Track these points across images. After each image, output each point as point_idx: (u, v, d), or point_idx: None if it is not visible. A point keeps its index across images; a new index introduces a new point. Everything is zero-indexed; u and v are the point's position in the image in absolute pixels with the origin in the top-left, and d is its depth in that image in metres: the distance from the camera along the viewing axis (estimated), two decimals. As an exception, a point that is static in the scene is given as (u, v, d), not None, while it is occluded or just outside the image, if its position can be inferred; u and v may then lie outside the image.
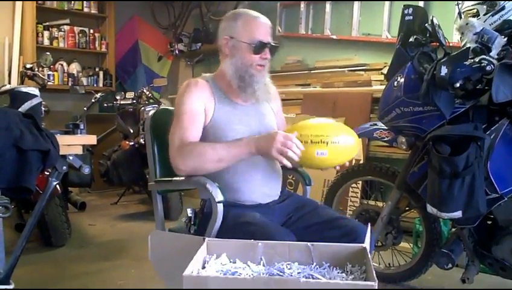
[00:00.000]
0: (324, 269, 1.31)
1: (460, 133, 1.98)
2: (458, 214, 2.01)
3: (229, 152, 1.65)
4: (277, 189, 1.88)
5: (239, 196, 1.77)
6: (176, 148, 1.69)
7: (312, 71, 4.54)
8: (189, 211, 1.79)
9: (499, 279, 2.32)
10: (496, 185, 2.03)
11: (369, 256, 1.29)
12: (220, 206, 1.64)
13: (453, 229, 2.43)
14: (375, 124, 2.59)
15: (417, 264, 2.66)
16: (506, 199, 2.06)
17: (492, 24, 2.15)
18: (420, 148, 2.28)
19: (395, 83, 2.21)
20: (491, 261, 2.25)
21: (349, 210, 3.51)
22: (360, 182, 3.38)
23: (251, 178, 1.77)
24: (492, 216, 2.22)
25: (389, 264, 2.81)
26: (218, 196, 1.63)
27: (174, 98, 1.88)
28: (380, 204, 2.94)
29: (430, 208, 2.09)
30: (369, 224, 1.42)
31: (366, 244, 1.32)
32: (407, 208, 2.65)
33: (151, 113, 2.01)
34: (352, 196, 3.61)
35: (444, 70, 1.83)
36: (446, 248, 2.30)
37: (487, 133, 2.04)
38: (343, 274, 1.27)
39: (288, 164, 1.61)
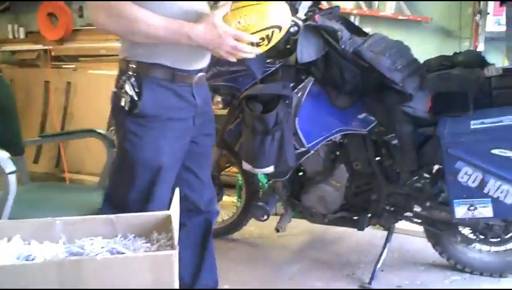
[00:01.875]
0: (129, 240, 1.25)
1: (269, 92, 2.05)
2: (270, 169, 2.12)
3: (165, 34, 1.41)
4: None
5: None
6: (105, 3, 1.40)
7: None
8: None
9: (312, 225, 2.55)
10: (303, 140, 2.17)
11: (175, 222, 1.26)
12: (12, 178, 1.45)
13: (269, 182, 2.57)
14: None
15: (239, 218, 2.78)
16: (312, 151, 2.23)
17: (299, -15, 2.23)
18: (236, 106, 2.33)
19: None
20: (302, 209, 2.45)
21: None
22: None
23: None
24: (302, 168, 2.40)
25: (212, 219, 2.89)
26: (8, 167, 1.43)
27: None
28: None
29: (245, 165, 2.16)
30: (177, 189, 1.39)
31: (172, 210, 1.29)
32: (227, 165, 2.72)
33: None
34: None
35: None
36: (261, 201, 2.43)
37: (295, 91, 2.15)
38: (148, 244, 1.23)
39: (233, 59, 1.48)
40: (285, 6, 1.49)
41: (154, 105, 1.50)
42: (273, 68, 2.16)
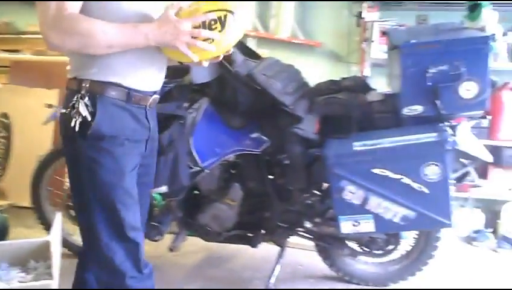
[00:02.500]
0: (2, 270, 1.16)
1: (163, 112, 2.03)
2: (163, 188, 2.09)
3: (122, 38, 1.32)
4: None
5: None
6: (52, 16, 1.29)
7: (23, 36, 4.08)
8: None
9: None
10: (198, 159, 2.18)
11: (55, 249, 1.20)
12: None
13: (163, 202, 2.53)
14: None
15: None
16: (207, 170, 2.23)
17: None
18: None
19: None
20: (197, 228, 2.44)
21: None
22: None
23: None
24: (198, 187, 2.39)
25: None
26: None
27: None
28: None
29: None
30: (59, 213, 1.33)
31: (52, 236, 1.23)
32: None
33: None
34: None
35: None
36: (155, 221, 2.38)
37: (189, 111, 2.15)
38: (24, 273, 1.15)
39: (195, 58, 1.34)
40: None
41: (111, 125, 1.40)
42: (168, 88, 2.14)
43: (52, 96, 3.53)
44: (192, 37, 1.31)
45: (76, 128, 1.37)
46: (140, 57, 1.42)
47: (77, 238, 2.74)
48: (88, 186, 1.43)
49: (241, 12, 1.38)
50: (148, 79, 1.48)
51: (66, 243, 2.68)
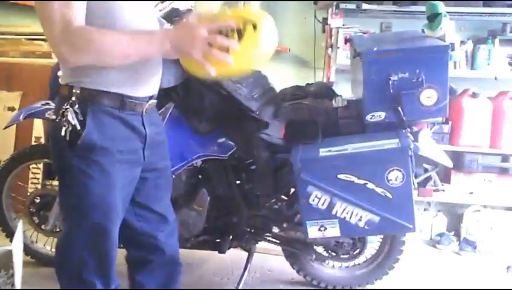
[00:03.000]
0: (-40, 281, 1.13)
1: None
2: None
3: (137, 48, 1.26)
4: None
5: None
6: (59, 32, 1.21)
7: (-17, 36, 3.95)
8: None
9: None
10: (164, 165, 2.16)
11: (17, 258, 1.18)
12: None
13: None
14: (48, 103, 2.42)
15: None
16: (173, 176, 2.22)
17: (161, 11, 2.24)
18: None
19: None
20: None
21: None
22: (42, 163, 3.15)
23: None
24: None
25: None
26: None
27: None
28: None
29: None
30: (20, 221, 1.30)
31: (14, 245, 1.21)
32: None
33: None
34: (34, 179, 3.33)
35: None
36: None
37: (157, 116, 2.13)
38: (-18, 285, 1.12)
39: (212, 72, 1.24)
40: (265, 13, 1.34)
41: (101, 135, 1.35)
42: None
43: (14, 99, 3.45)
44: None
45: (67, 138, 1.31)
46: (136, 63, 1.35)
47: (40, 246, 2.69)
48: (75, 196, 1.40)
49: (268, 26, 1.30)
50: (143, 84, 1.44)
51: (29, 251, 2.63)
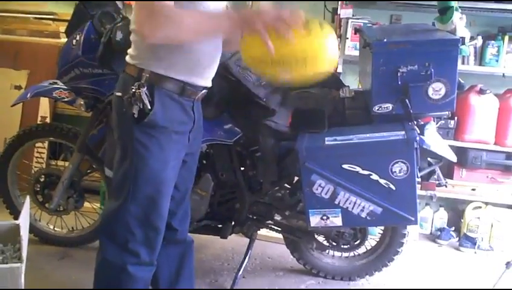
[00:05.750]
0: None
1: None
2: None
3: (209, 23, 1.40)
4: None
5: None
6: (148, 11, 1.34)
7: (-10, 13, 3.95)
8: None
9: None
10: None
11: (24, 232, 1.19)
12: None
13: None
14: (56, 83, 2.42)
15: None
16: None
17: None
18: (100, 110, 2.25)
19: (74, 41, 2.10)
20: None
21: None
22: (47, 142, 3.17)
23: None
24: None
25: (72, 228, 2.74)
26: None
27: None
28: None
29: (107, 171, 2.10)
30: (28, 196, 1.31)
31: (22, 219, 1.22)
32: (88, 171, 2.61)
33: None
34: (39, 157, 3.35)
35: (119, 36, 1.82)
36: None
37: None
38: (-10, 257, 1.14)
39: (271, 47, 1.34)
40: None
41: (164, 116, 1.50)
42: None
43: (21, 77, 3.45)
44: None
45: (135, 115, 1.44)
46: (200, 53, 1.50)
47: (43, 224, 2.72)
48: (134, 168, 1.51)
49: (333, 37, 1.42)
50: (202, 75, 1.58)
51: (32, 229, 2.65)
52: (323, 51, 1.40)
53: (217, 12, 1.48)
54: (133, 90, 1.44)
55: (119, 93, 1.50)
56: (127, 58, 1.54)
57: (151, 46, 1.44)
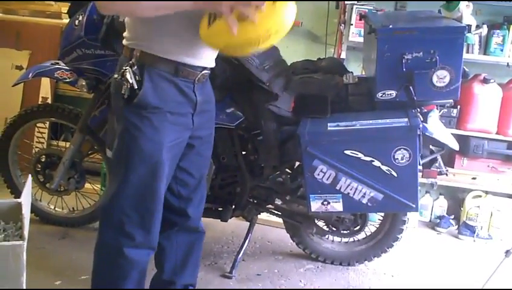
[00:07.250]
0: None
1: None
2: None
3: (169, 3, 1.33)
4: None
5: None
6: None
7: (-8, -8, 3.91)
8: None
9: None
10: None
11: (26, 211, 1.19)
12: None
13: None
14: (57, 63, 2.41)
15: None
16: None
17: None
18: (102, 92, 2.24)
19: (77, 22, 2.09)
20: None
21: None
22: (48, 123, 3.17)
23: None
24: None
25: (73, 208, 2.75)
26: None
27: None
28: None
29: (108, 152, 2.09)
30: (30, 175, 1.31)
31: (23, 198, 1.22)
32: (90, 152, 2.61)
33: None
34: (40, 137, 3.35)
35: (122, 16, 1.80)
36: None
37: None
38: (-7, 234, 1.14)
39: (235, 30, 1.28)
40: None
41: (155, 96, 1.47)
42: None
43: (22, 57, 3.44)
44: None
45: (125, 95, 1.43)
46: (192, 34, 1.44)
47: (44, 204, 2.73)
48: (126, 149, 1.51)
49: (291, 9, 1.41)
50: (198, 55, 1.53)
51: (33, 209, 2.65)
52: (286, 23, 1.39)
53: None
54: (123, 70, 1.44)
55: (116, 75, 1.50)
56: (123, 40, 1.53)
57: (142, 27, 1.44)
